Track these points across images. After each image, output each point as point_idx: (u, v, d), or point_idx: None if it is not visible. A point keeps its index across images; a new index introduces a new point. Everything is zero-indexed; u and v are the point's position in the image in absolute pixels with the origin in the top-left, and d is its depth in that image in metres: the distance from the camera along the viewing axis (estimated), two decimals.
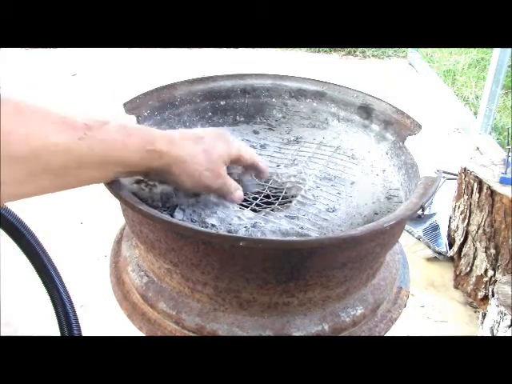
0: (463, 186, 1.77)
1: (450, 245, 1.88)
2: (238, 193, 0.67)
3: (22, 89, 3.05)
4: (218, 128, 0.79)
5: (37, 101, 0.51)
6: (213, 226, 0.65)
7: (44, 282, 0.78)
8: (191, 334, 0.64)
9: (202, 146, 0.62)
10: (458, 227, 1.82)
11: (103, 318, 1.49)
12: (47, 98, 2.99)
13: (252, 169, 0.71)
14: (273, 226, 0.66)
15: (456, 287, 1.81)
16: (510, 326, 1.31)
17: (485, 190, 1.65)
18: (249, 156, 0.68)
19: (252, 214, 0.68)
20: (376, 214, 0.73)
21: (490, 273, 1.68)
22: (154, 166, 0.59)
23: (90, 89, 3.14)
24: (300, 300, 0.62)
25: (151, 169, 0.59)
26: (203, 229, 0.56)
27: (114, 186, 0.60)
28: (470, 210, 1.73)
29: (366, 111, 0.88)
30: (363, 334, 0.67)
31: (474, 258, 1.73)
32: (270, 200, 0.75)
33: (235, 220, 0.66)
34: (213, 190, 0.65)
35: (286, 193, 0.77)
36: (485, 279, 1.69)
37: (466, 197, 1.75)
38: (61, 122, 0.51)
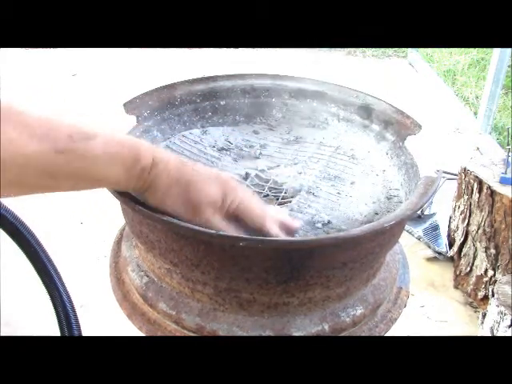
0: (463, 186, 1.76)
1: (450, 245, 1.88)
2: None
3: (22, 89, 3.05)
4: (227, 174, 0.67)
5: (24, 105, 0.49)
6: None
7: (44, 282, 0.78)
8: (191, 334, 0.64)
9: (185, 179, 0.57)
10: (457, 227, 1.82)
11: (103, 318, 1.49)
12: (47, 98, 2.99)
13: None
14: None
15: (456, 287, 1.81)
16: (510, 326, 1.31)
17: (485, 190, 1.65)
18: (253, 217, 0.60)
19: None
20: (376, 213, 0.73)
21: (490, 273, 1.67)
22: (130, 188, 0.57)
23: (89, 89, 3.13)
24: (300, 300, 0.62)
25: (126, 189, 0.58)
26: (203, 229, 0.56)
27: None
28: (470, 210, 1.73)
29: (366, 111, 0.88)
30: (363, 334, 0.67)
31: (474, 258, 1.73)
32: (269, 200, 0.75)
33: None
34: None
35: (285, 193, 0.77)
36: (485, 279, 1.69)
37: (466, 197, 1.75)
38: (42, 133, 0.48)
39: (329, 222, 0.70)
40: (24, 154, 0.47)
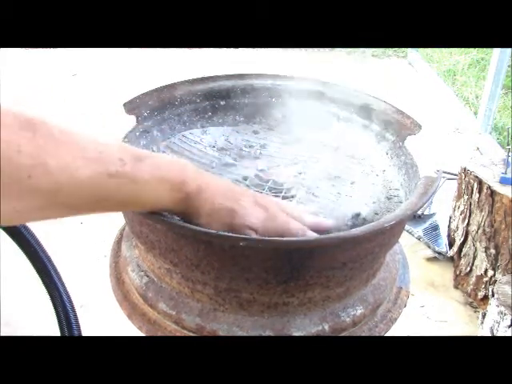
0: (463, 186, 1.77)
1: (450, 245, 1.88)
2: None
3: (22, 89, 3.05)
4: (273, 198, 0.71)
5: (71, 126, 0.47)
6: None
7: (44, 282, 0.78)
8: (191, 334, 0.64)
9: (230, 207, 0.58)
10: (457, 227, 1.82)
11: (103, 317, 1.49)
12: (47, 98, 2.99)
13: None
14: None
15: (456, 287, 1.81)
16: (510, 326, 1.31)
17: (485, 190, 1.65)
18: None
19: None
20: (376, 214, 0.73)
21: (490, 273, 1.68)
22: (175, 210, 0.57)
23: (89, 89, 3.14)
24: (300, 300, 0.62)
25: (172, 211, 0.57)
26: (203, 229, 0.56)
27: None
28: (470, 210, 1.73)
29: (366, 111, 0.88)
30: (363, 334, 0.66)
31: (474, 258, 1.73)
32: None
33: None
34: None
35: (285, 193, 0.76)
36: (485, 279, 1.69)
37: (466, 197, 1.75)
38: (95, 156, 0.47)
39: None
40: (79, 177, 0.45)
